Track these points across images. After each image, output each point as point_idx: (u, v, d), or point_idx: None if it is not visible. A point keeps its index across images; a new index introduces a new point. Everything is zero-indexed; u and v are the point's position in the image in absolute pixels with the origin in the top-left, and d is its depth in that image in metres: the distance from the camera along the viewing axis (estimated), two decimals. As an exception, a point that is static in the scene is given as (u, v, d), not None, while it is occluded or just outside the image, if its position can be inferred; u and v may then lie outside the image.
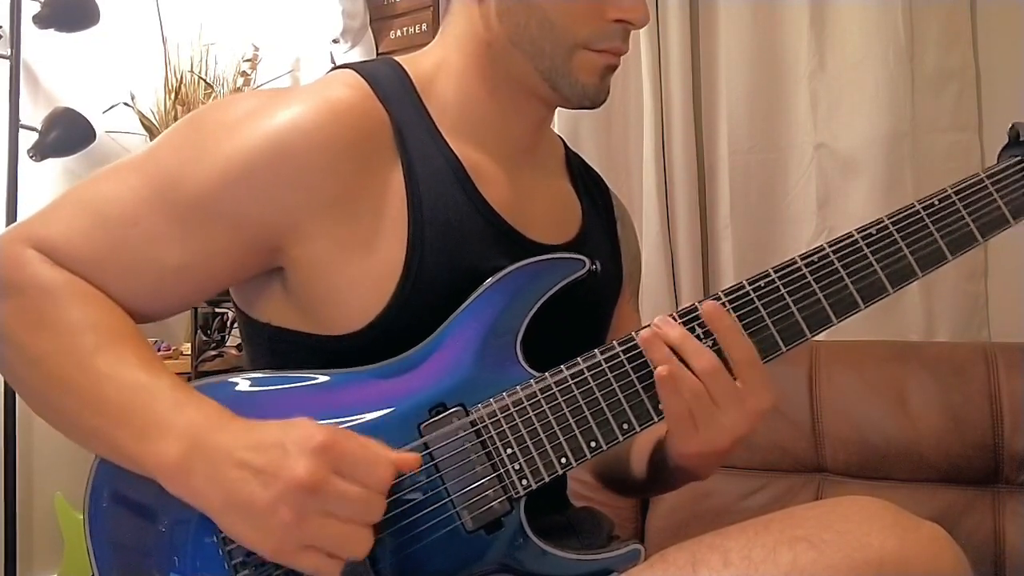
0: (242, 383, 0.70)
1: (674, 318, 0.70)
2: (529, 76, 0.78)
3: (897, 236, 0.73)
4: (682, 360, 0.67)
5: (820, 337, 0.75)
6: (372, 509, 0.60)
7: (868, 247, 0.73)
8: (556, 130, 1.10)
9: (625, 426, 0.69)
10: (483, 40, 0.78)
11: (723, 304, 0.71)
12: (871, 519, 0.62)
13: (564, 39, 0.75)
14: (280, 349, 0.76)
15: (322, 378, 0.70)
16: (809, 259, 0.72)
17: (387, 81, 0.77)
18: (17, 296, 0.68)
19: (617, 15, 0.75)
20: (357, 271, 0.71)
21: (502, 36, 0.77)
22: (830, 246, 0.73)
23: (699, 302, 0.71)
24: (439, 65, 0.81)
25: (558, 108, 0.84)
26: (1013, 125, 0.79)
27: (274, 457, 0.58)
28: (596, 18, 0.75)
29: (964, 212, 0.74)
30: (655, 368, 0.67)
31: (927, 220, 0.73)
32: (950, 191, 0.75)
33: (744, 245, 1.73)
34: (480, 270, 0.73)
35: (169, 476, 0.62)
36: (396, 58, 0.82)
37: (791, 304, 0.71)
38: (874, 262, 0.72)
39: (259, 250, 0.72)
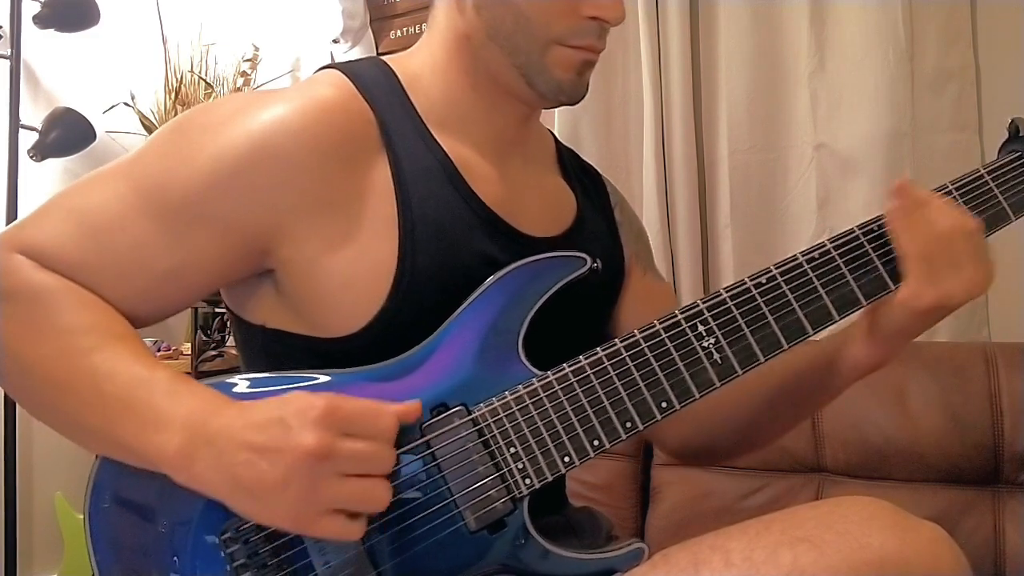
0: (241, 384, 0.70)
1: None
2: (506, 71, 0.77)
3: None
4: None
5: (820, 336, 0.75)
6: (384, 460, 0.61)
7: (869, 243, 0.73)
8: (556, 130, 1.10)
9: (628, 424, 0.69)
10: (462, 34, 0.78)
11: (725, 302, 0.71)
12: (872, 519, 0.62)
13: (538, 34, 0.75)
14: (275, 351, 0.76)
15: (322, 379, 0.70)
16: (811, 255, 0.72)
17: (372, 80, 0.77)
18: (8, 303, 0.68)
19: (592, 12, 0.75)
20: (349, 272, 0.71)
21: (480, 29, 0.77)
22: (832, 242, 0.73)
23: (702, 302, 0.71)
24: (425, 62, 0.81)
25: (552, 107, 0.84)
26: (1012, 120, 0.79)
27: (277, 433, 0.59)
28: (571, 14, 0.75)
29: (964, 207, 0.74)
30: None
31: None
32: (950, 187, 0.75)
33: (744, 245, 1.73)
34: (474, 266, 0.73)
35: (173, 467, 0.62)
36: (383, 58, 0.82)
37: (793, 301, 0.71)
38: (875, 258, 0.73)
39: (248, 252, 0.72)
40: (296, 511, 0.59)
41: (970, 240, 0.71)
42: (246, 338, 0.80)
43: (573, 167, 0.94)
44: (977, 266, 0.71)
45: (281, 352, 0.76)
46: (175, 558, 0.66)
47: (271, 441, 0.59)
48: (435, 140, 0.77)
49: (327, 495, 0.59)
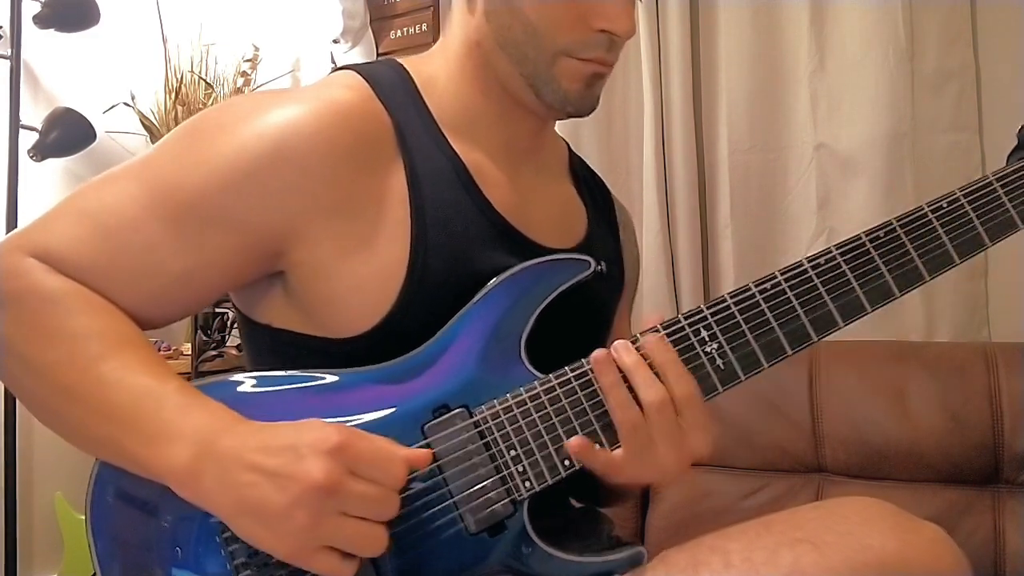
0: (247, 382, 0.70)
1: (652, 332, 0.69)
2: (514, 80, 0.77)
3: (905, 239, 0.72)
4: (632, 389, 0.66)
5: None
6: (388, 507, 0.60)
7: (876, 250, 0.72)
8: (556, 130, 1.10)
9: (628, 428, 0.69)
10: (473, 41, 0.78)
11: (730, 307, 0.71)
12: (872, 520, 0.62)
13: (546, 45, 0.74)
14: (282, 351, 0.76)
15: (327, 378, 0.70)
16: (816, 262, 0.72)
17: (388, 82, 0.77)
18: (17, 306, 0.67)
19: (601, 25, 0.74)
20: (360, 274, 0.71)
21: (489, 37, 0.76)
22: (837, 248, 0.72)
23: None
24: (439, 66, 0.81)
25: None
26: (1023, 127, 0.78)
27: (288, 460, 0.58)
28: (580, 26, 0.74)
29: (973, 215, 0.73)
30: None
31: (935, 223, 0.72)
32: (959, 193, 0.74)
33: (744, 245, 1.73)
34: (484, 272, 0.73)
35: (179, 481, 0.62)
36: (399, 59, 0.82)
37: (798, 307, 0.71)
38: (881, 265, 0.72)
39: (261, 254, 0.71)
40: (294, 541, 0.58)
41: (668, 417, 0.65)
42: (252, 337, 0.80)
43: (584, 178, 0.94)
44: (675, 448, 0.66)
45: (287, 352, 0.75)
46: (176, 556, 0.66)
47: (281, 467, 0.58)
48: (449, 145, 0.77)
49: (326, 531, 0.58)
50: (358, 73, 0.76)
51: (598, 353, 0.68)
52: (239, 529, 0.61)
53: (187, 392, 0.65)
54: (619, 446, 0.68)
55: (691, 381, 0.67)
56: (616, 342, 0.68)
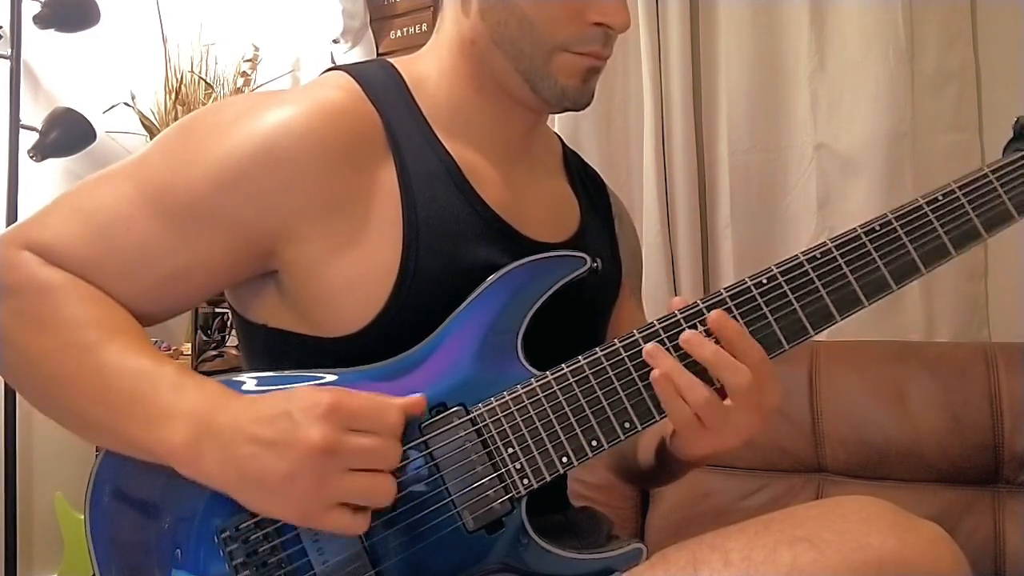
0: (246, 382, 0.70)
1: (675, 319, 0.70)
2: (510, 76, 0.77)
3: (901, 232, 0.72)
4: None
5: (820, 337, 0.75)
6: (390, 454, 0.62)
7: (871, 243, 0.72)
8: (556, 130, 1.10)
9: (627, 424, 0.69)
10: (468, 38, 0.78)
11: (725, 301, 0.70)
12: (871, 519, 0.62)
13: (543, 40, 0.75)
14: (276, 350, 0.76)
15: (325, 378, 0.70)
16: (812, 255, 0.71)
17: (379, 82, 0.77)
18: (14, 297, 0.68)
19: (597, 19, 0.75)
20: (352, 273, 0.71)
21: (484, 34, 0.77)
22: (833, 242, 0.72)
23: (702, 301, 0.70)
24: (431, 65, 0.81)
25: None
26: (1018, 119, 0.78)
27: (284, 427, 0.59)
28: (576, 20, 0.74)
29: (968, 207, 0.72)
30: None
31: (931, 216, 0.72)
32: (954, 186, 0.73)
33: (744, 245, 1.73)
34: (478, 269, 0.73)
35: (180, 461, 0.63)
36: (390, 60, 0.82)
37: (794, 301, 0.70)
38: (877, 258, 0.71)
39: (253, 254, 0.72)
40: (302, 505, 0.60)
41: (729, 400, 0.67)
42: (247, 337, 0.80)
43: (579, 173, 0.94)
44: (752, 407, 0.67)
45: (281, 351, 0.76)
46: (175, 556, 0.66)
47: (278, 435, 0.59)
48: (441, 144, 0.77)
49: (333, 490, 0.60)
50: (348, 73, 0.77)
51: (649, 347, 0.68)
52: (246, 501, 0.62)
53: (183, 373, 0.66)
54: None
55: (757, 346, 0.68)
56: (687, 334, 0.68)
